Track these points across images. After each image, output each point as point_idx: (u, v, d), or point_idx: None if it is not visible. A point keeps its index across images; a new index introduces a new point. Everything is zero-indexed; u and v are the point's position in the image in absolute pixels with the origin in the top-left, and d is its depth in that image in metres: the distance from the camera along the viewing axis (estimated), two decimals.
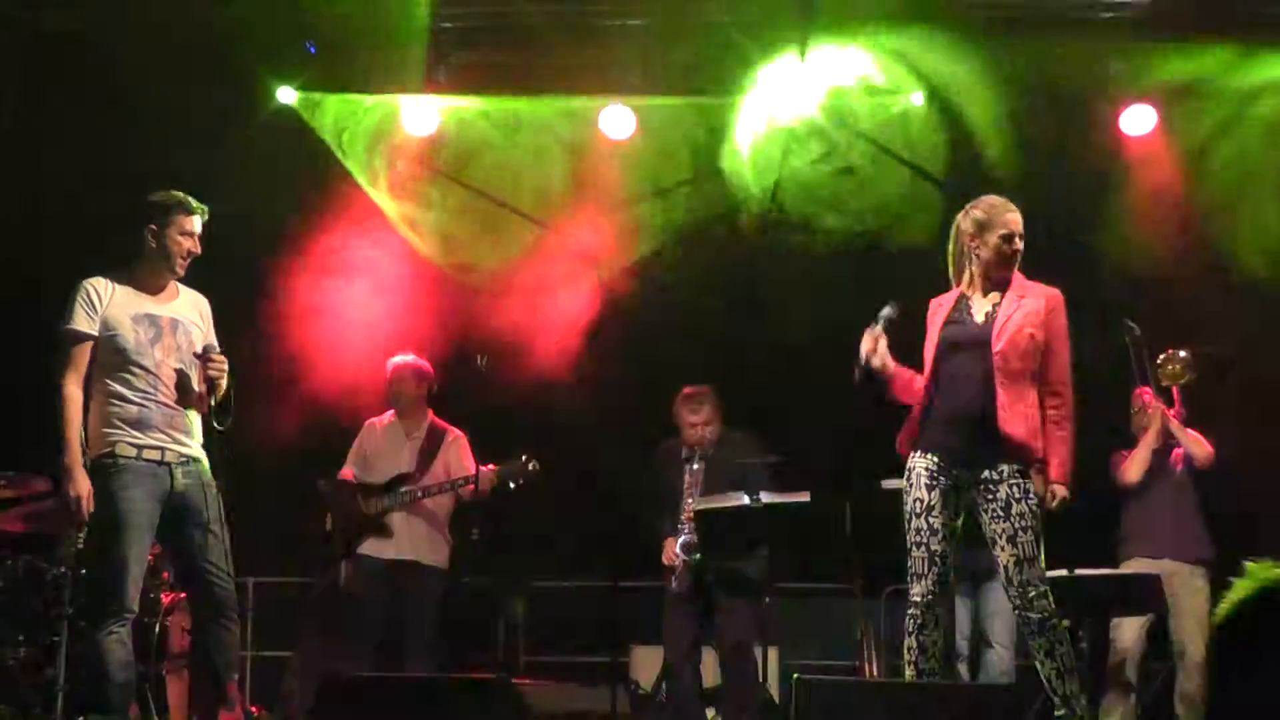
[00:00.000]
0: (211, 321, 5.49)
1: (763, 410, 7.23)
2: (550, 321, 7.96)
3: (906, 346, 5.36)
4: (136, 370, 5.21)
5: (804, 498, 6.23)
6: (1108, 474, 7.02)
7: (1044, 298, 5.20)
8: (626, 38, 7.73)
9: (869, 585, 7.53)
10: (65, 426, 5.12)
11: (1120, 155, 8.02)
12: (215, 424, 5.33)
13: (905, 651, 5.21)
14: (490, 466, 6.73)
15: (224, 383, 5.32)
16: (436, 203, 8.40)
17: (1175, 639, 6.83)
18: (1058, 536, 5.29)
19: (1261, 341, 7.39)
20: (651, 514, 6.87)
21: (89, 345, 5.21)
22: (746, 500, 6.22)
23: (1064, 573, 6.25)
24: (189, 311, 5.40)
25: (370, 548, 6.93)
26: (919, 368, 5.29)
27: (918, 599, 5.16)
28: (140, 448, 5.18)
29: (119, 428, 5.18)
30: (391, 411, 7.19)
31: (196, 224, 5.36)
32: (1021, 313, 5.15)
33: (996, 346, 5.12)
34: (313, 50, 8.05)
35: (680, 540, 6.65)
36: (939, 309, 5.32)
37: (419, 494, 6.88)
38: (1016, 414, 5.09)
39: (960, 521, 5.21)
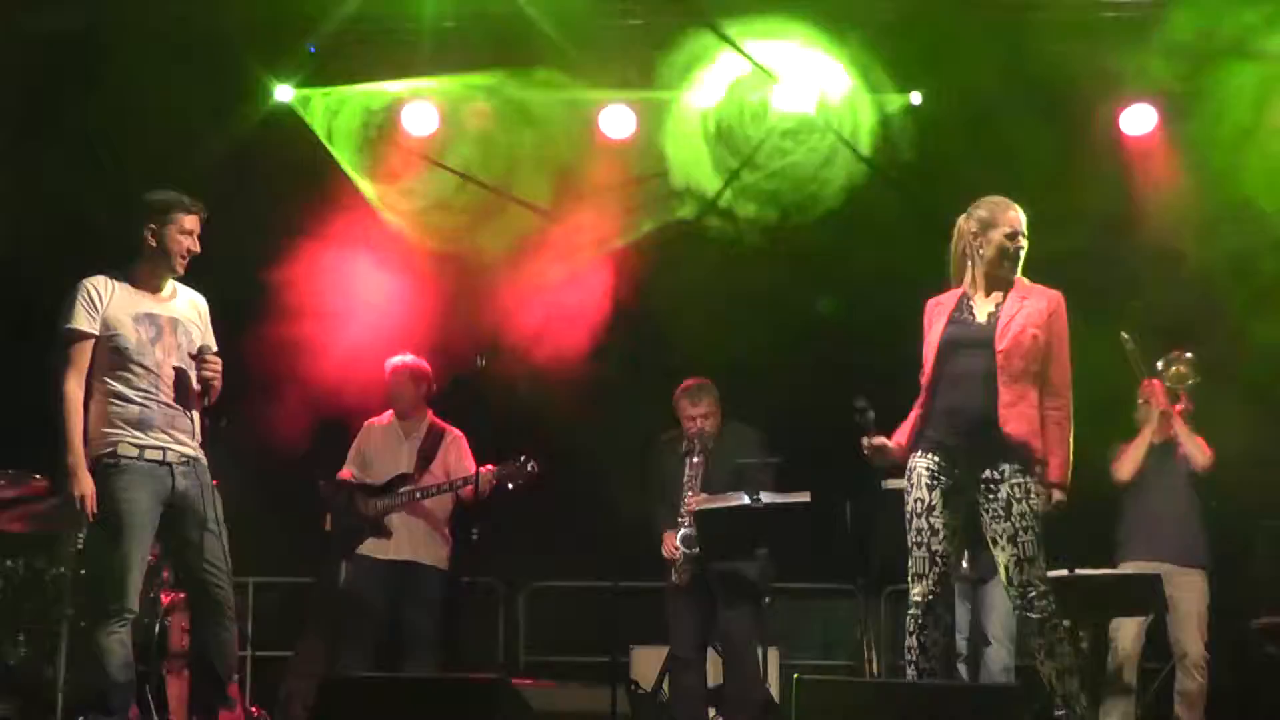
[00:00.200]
0: (209, 321, 5.48)
1: (763, 410, 7.21)
2: (550, 320, 7.95)
3: (908, 346, 5.37)
4: (138, 370, 5.20)
5: (804, 498, 6.23)
6: (1108, 474, 7.01)
7: (1046, 299, 5.21)
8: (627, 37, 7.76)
9: (869, 585, 7.54)
10: (67, 427, 5.12)
11: (1120, 155, 8.03)
12: (209, 423, 5.33)
13: (906, 651, 5.22)
14: (489, 467, 6.73)
15: (218, 384, 5.32)
16: (429, 195, 8.38)
17: (1174, 639, 6.83)
18: (1058, 536, 5.29)
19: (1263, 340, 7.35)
20: (651, 507, 6.87)
21: (90, 345, 5.20)
22: (747, 500, 6.22)
23: (1064, 573, 6.25)
24: (188, 311, 5.40)
25: (370, 548, 6.93)
26: (917, 367, 5.29)
27: (919, 599, 5.16)
28: (142, 448, 5.18)
29: (120, 427, 5.17)
30: (390, 412, 7.19)
31: (195, 222, 5.36)
32: (1024, 313, 5.16)
33: (1000, 346, 5.12)
34: (313, 50, 8.05)
35: (680, 533, 6.65)
36: (939, 308, 5.32)
37: (418, 494, 6.88)
38: (1018, 414, 5.09)
39: (961, 521, 5.21)
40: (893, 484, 5.63)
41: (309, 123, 8.23)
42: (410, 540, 6.91)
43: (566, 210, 8.24)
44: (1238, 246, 7.54)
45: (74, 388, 5.16)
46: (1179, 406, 6.97)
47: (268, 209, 7.89)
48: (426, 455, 7.02)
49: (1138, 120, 7.97)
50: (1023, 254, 5.23)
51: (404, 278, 8.14)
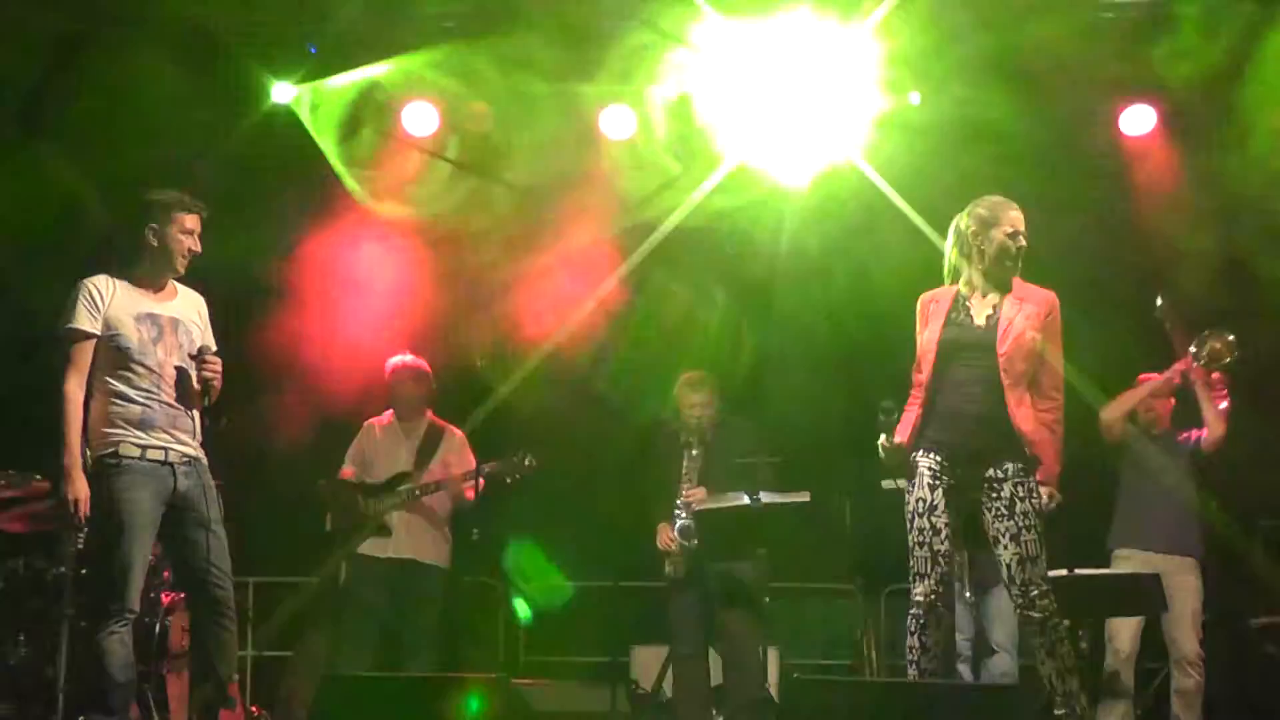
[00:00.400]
0: (209, 321, 5.48)
1: (763, 410, 7.23)
2: (550, 320, 7.96)
3: (903, 340, 5.37)
4: (139, 370, 5.20)
5: (804, 497, 6.24)
6: (1108, 472, 7.01)
7: (1042, 301, 5.21)
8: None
9: (869, 585, 7.55)
10: (66, 427, 5.10)
11: (1120, 155, 8.03)
12: (209, 423, 5.33)
13: (907, 651, 5.23)
14: (490, 465, 6.73)
15: (218, 384, 5.32)
16: (420, 182, 8.38)
17: (1170, 638, 6.82)
18: (1057, 536, 5.30)
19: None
20: (648, 497, 6.87)
21: (91, 344, 5.19)
22: (747, 500, 6.22)
23: (1064, 573, 6.25)
24: (188, 310, 5.39)
25: (370, 547, 6.93)
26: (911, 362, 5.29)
27: (920, 598, 5.16)
28: (144, 448, 5.17)
29: (122, 427, 5.17)
30: (390, 411, 7.19)
31: (197, 222, 5.36)
32: (1023, 316, 5.16)
33: (1002, 350, 5.12)
34: (314, 51, 8.04)
35: (678, 525, 6.64)
36: (935, 305, 5.30)
37: (418, 492, 6.89)
38: (1024, 415, 5.12)
39: (962, 521, 5.21)
40: (892, 484, 5.63)
41: (307, 121, 8.22)
42: (410, 538, 6.91)
43: (572, 207, 8.24)
44: (1237, 247, 7.57)
45: (74, 388, 5.15)
46: (1216, 378, 6.86)
47: (268, 208, 7.89)
48: (426, 454, 7.03)
49: (1138, 120, 7.97)
50: (1022, 253, 5.23)
51: (403, 278, 8.14)
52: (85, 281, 5.26)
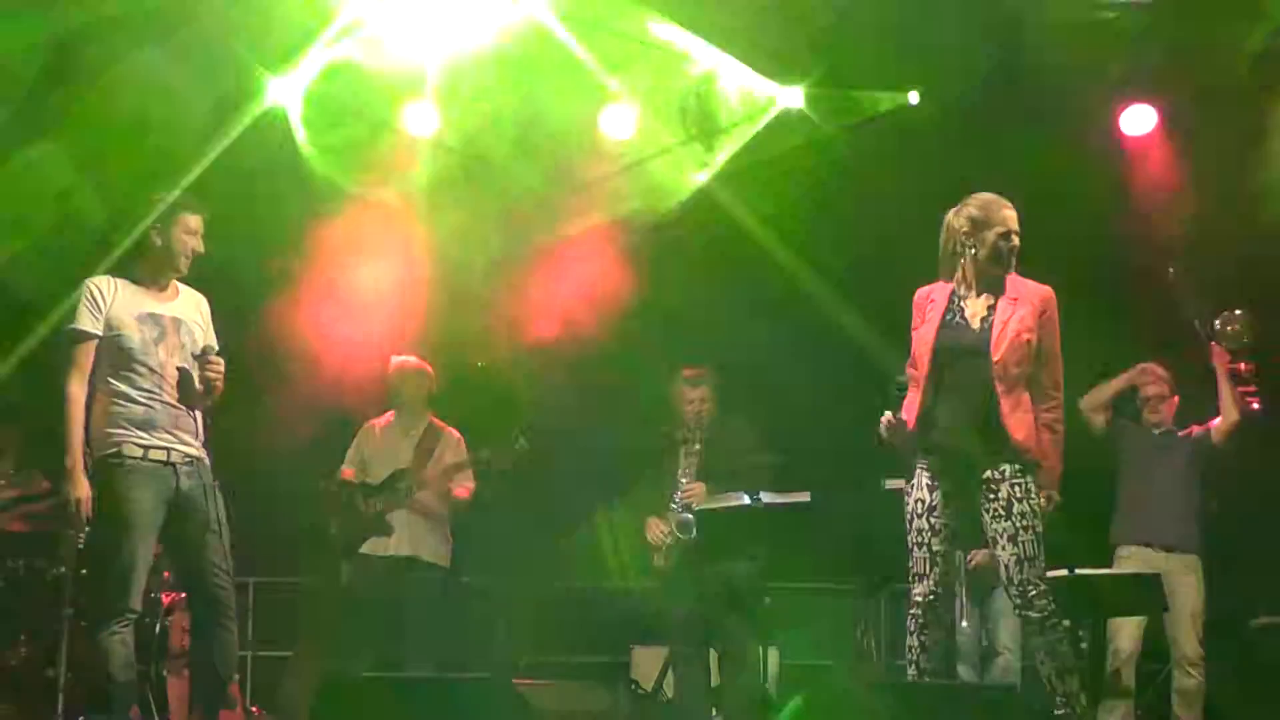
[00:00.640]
0: (210, 321, 5.49)
1: (763, 409, 7.22)
2: (550, 320, 7.95)
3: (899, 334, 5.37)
4: (141, 370, 5.20)
5: (804, 497, 6.24)
6: (1107, 474, 7.02)
7: (1036, 298, 5.17)
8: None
9: (869, 585, 7.55)
10: (68, 427, 5.11)
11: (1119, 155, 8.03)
12: (210, 424, 5.34)
13: (907, 651, 5.23)
14: (484, 453, 6.74)
15: (220, 385, 5.32)
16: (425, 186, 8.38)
17: (1171, 637, 6.83)
18: (1057, 536, 5.30)
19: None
20: (639, 494, 6.88)
21: (93, 345, 5.19)
22: (747, 500, 6.22)
23: (1064, 572, 6.25)
24: (190, 311, 5.40)
25: (371, 546, 6.94)
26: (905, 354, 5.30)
27: (919, 599, 5.16)
28: (146, 448, 5.17)
29: (124, 428, 5.17)
30: (391, 412, 7.20)
31: (200, 223, 5.36)
32: (1016, 318, 5.11)
33: (995, 356, 5.09)
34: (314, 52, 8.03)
35: (679, 520, 6.64)
36: (930, 302, 5.27)
37: (415, 487, 6.89)
38: (1018, 420, 5.08)
39: (962, 522, 5.21)
40: (893, 484, 5.62)
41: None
42: (410, 536, 6.92)
43: (571, 205, 8.24)
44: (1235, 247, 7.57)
45: (76, 388, 5.15)
46: (1243, 367, 6.84)
47: (268, 208, 7.88)
48: (425, 453, 7.04)
49: (1137, 120, 7.97)
50: (1016, 253, 5.21)
51: (405, 277, 8.13)
52: (88, 281, 5.27)
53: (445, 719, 4.96)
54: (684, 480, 6.71)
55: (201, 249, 5.37)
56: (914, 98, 7.93)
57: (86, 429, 5.16)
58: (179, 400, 5.25)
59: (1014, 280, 5.21)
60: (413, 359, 7.18)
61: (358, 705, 5.01)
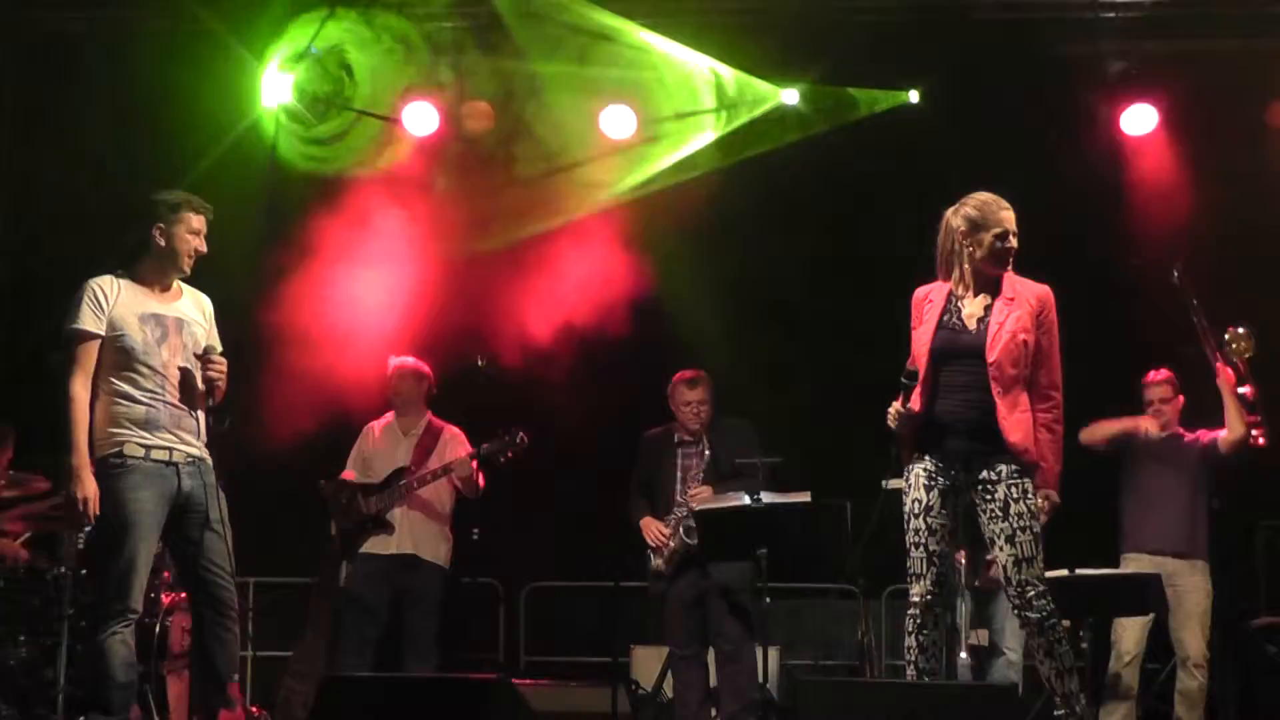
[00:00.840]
0: (214, 321, 5.49)
1: (763, 410, 7.22)
2: (550, 320, 7.95)
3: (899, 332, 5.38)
4: (144, 370, 5.20)
5: (804, 498, 6.24)
6: (1107, 475, 7.01)
7: (1034, 298, 5.16)
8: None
9: (869, 585, 7.54)
10: (72, 427, 5.10)
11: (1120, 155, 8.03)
12: (213, 424, 5.33)
13: (906, 651, 5.22)
14: (484, 446, 6.75)
15: (223, 385, 5.32)
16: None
17: (1176, 638, 6.82)
18: (1058, 536, 5.30)
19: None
20: (631, 497, 6.88)
21: (96, 345, 5.19)
22: (747, 500, 6.22)
23: (1064, 572, 6.24)
24: (193, 311, 5.40)
25: (372, 546, 6.94)
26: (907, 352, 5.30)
27: (917, 599, 5.16)
28: (148, 448, 5.17)
29: (126, 428, 5.17)
30: (390, 413, 7.21)
31: (203, 223, 5.36)
32: (1013, 318, 5.11)
33: (991, 357, 5.08)
34: (315, 52, 8.04)
35: (682, 525, 6.65)
36: (928, 302, 5.27)
37: (415, 484, 6.90)
38: (1014, 422, 5.08)
39: (961, 522, 5.21)
40: (892, 484, 5.62)
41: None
42: (411, 534, 6.92)
43: (570, 204, 8.24)
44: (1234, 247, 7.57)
45: (79, 388, 5.14)
46: (1247, 389, 6.84)
47: (267, 208, 7.89)
48: (425, 450, 7.04)
49: (1138, 120, 7.97)
50: (1013, 253, 5.20)
51: (405, 277, 8.13)
52: (90, 281, 5.26)
53: (445, 719, 4.96)
54: (690, 485, 6.71)
55: (204, 249, 5.37)
56: (914, 97, 7.94)
57: (89, 429, 5.16)
58: (181, 400, 5.25)
59: (1012, 280, 5.20)
60: (410, 360, 7.18)
61: (358, 706, 5.02)
